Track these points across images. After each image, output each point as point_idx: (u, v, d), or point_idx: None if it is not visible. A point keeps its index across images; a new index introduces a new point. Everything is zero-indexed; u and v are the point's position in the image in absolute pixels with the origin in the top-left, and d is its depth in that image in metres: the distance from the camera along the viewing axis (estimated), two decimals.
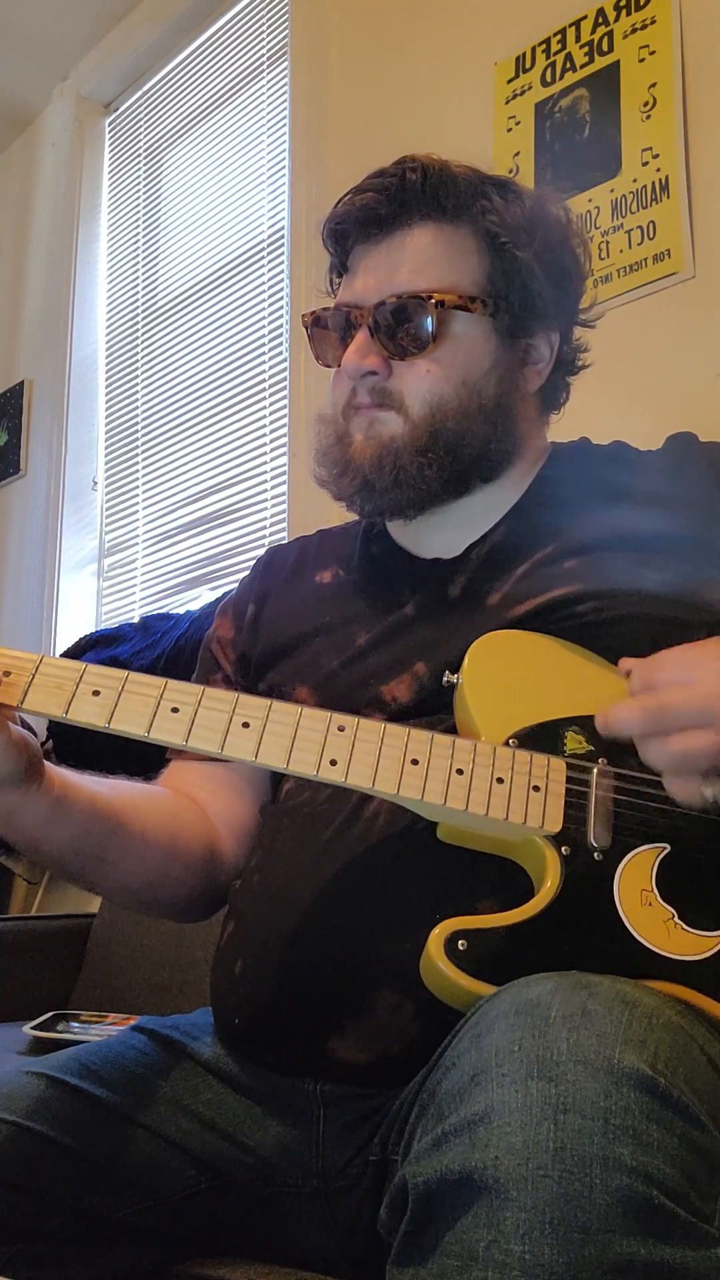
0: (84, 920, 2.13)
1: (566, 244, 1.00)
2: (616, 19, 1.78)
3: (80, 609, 2.97)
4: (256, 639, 1.07)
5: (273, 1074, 0.87)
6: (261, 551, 1.18)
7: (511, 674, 0.85)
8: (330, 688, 0.96)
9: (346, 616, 1.01)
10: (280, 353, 2.44)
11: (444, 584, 0.97)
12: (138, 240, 3.02)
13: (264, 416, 2.47)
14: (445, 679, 0.85)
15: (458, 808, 0.77)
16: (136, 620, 2.58)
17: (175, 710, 0.76)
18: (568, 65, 1.84)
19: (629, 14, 1.76)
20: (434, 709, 0.89)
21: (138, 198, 3.04)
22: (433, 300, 0.93)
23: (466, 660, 0.85)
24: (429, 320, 0.93)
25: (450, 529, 0.99)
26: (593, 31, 1.81)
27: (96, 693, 0.76)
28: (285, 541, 1.27)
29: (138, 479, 2.90)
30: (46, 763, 0.83)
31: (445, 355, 0.95)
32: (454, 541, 0.99)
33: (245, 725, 0.77)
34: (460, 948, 0.72)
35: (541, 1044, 0.58)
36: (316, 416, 1.01)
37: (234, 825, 1.02)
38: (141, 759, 1.08)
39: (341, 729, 0.77)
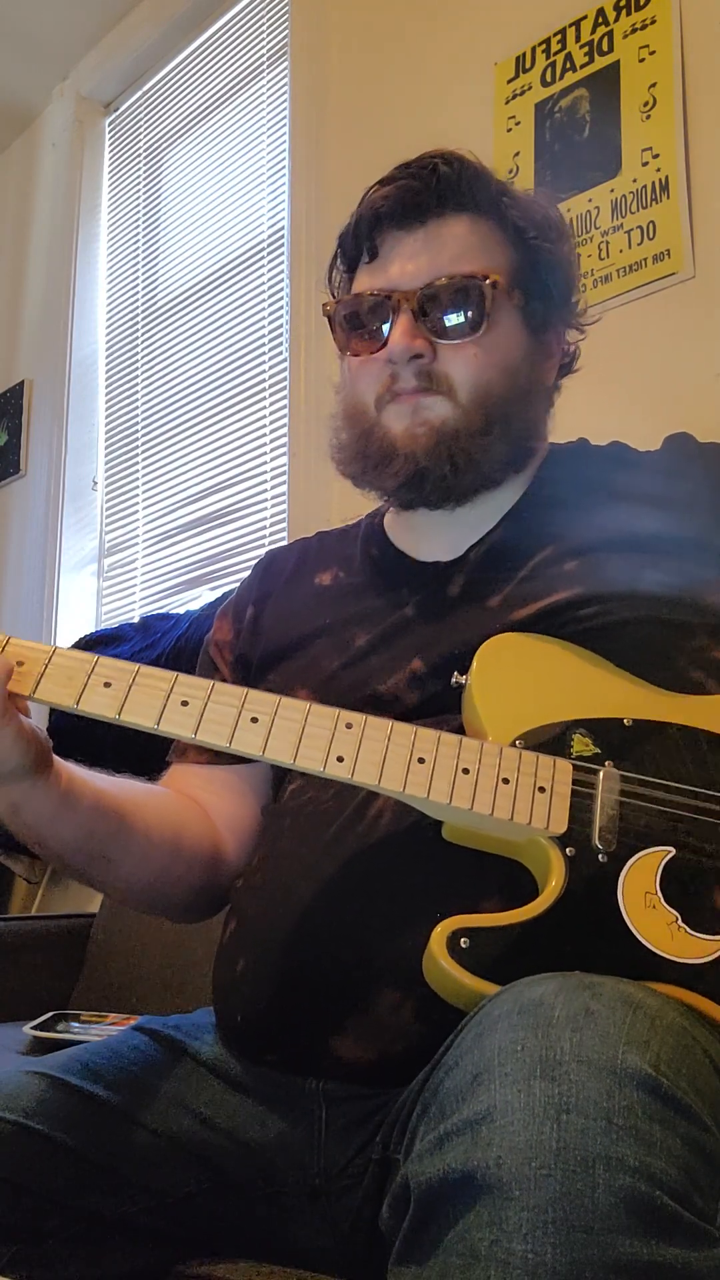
0: (84, 920, 2.13)
1: (568, 245, 1.02)
2: (616, 19, 1.78)
3: (80, 609, 2.96)
4: (256, 641, 1.07)
5: (274, 1073, 0.87)
6: (261, 553, 1.18)
7: (519, 676, 0.85)
8: (330, 689, 0.96)
9: (346, 618, 1.01)
10: (280, 353, 2.44)
11: (443, 584, 0.97)
12: (138, 240, 3.02)
13: (264, 416, 2.47)
14: (454, 680, 0.85)
15: (463, 807, 0.77)
16: (136, 620, 2.58)
17: (185, 703, 0.77)
18: (568, 65, 1.84)
19: (629, 14, 1.76)
20: (437, 709, 0.89)
21: (138, 198, 3.04)
22: (488, 280, 0.94)
23: (475, 662, 0.85)
24: (482, 301, 0.93)
25: (450, 531, 0.99)
26: (593, 31, 1.81)
27: (108, 684, 0.76)
28: (285, 543, 1.27)
29: (138, 479, 2.89)
30: (55, 756, 0.83)
31: (489, 340, 0.95)
32: (453, 543, 0.99)
33: (254, 720, 0.77)
34: (463, 945, 0.72)
35: (544, 1044, 0.58)
36: (338, 412, 1.01)
37: (236, 827, 1.02)
38: (143, 760, 1.08)
39: (349, 726, 0.78)
